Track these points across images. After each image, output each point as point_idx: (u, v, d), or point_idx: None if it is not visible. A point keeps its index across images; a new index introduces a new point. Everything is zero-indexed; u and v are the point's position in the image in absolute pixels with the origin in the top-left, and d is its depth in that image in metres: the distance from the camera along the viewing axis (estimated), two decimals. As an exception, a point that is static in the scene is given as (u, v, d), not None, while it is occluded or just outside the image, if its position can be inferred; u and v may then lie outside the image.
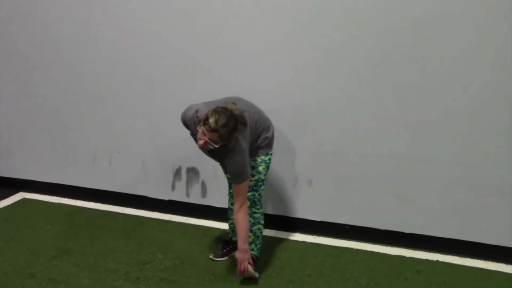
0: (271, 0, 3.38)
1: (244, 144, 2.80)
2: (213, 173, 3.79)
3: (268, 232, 3.67)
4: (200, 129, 2.66)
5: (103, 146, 4.16)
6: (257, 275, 3.05)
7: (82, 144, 4.22)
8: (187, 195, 3.99)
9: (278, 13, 3.40)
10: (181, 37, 3.68)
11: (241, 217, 2.89)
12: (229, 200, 3.34)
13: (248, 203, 3.08)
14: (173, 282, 3.05)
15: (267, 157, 3.06)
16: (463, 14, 3.03)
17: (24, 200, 4.33)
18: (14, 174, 4.54)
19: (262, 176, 3.05)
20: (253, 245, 3.13)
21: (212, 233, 3.67)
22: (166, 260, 3.29)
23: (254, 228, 3.12)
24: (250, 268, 2.95)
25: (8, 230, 3.71)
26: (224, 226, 3.63)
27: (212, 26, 3.57)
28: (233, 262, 3.07)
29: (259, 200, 3.12)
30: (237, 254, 2.95)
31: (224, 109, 2.66)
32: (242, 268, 2.93)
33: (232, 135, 2.67)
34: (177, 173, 3.97)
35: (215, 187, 3.85)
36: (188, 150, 3.47)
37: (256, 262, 3.12)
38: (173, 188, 4.01)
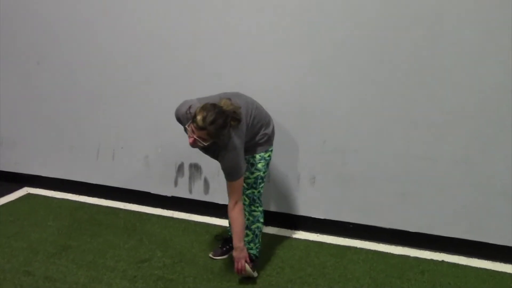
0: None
1: (237, 141, 2.72)
2: (216, 170, 3.73)
3: (271, 230, 3.63)
4: (189, 127, 2.59)
5: (107, 142, 4.14)
6: (255, 274, 3.00)
7: (86, 140, 4.20)
8: (190, 191, 3.95)
9: (282, 12, 3.33)
10: (185, 34, 3.63)
11: (236, 215, 2.83)
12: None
13: (247, 201, 3.03)
14: (171, 280, 3.01)
15: (267, 154, 2.99)
16: (470, 11, 2.94)
17: (28, 195, 4.33)
18: (19, 169, 4.54)
19: (261, 174, 2.98)
20: (252, 244, 3.07)
21: (214, 230, 3.63)
22: (165, 258, 3.26)
23: (253, 226, 3.06)
24: (248, 267, 2.89)
25: (10, 226, 3.70)
26: (226, 223, 3.58)
27: (216, 24, 3.52)
28: (232, 261, 3.01)
29: (258, 198, 3.05)
30: (234, 253, 2.89)
31: (213, 105, 2.58)
32: (239, 267, 2.87)
33: (222, 132, 2.59)
34: (180, 169, 3.93)
35: (218, 183, 3.80)
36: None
37: (255, 261, 3.07)
38: (175, 184, 3.97)
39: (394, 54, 3.15)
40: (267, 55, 3.44)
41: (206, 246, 3.41)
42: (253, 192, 3.01)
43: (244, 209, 3.04)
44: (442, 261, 3.21)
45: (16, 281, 2.99)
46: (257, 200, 3.06)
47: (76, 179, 4.33)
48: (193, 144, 2.62)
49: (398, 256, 3.27)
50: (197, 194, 3.93)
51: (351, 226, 3.51)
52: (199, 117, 2.53)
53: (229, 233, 3.35)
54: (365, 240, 3.46)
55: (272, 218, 3.65)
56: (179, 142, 3.78)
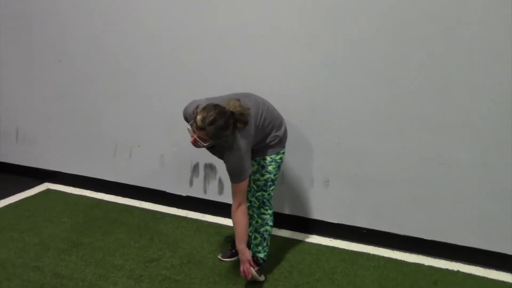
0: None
1: (243, 142, 2.67)
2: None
3: (284, 233, 3.57)
4: (191, 126, 2.57)
5: (124, 140, 4.16)
6: (262, 278, 2.95)
7: (104, 137, 4.23)
8: (205, 191, 3.92)
9: (295, 11, 3.28)
10: (199, 32, 3.61)
11: (238, 217, 2.79)
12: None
13: (257, 203, 2.98)
14: (177, 281, 2.98)
15: (278, 156, 2.93)
16: (488, 11, 2.82)
17: (48, 191, 4.38)
18: (40, 164, 4.61)
19: (272, 176, 2.92)
20: (259, 247, 3.02)
21: (226, 231, 3.59)
22: (173, 258, 3.24)
23: (262, 229, 3.01)
24: (253, 270, 2.84)
25: (25, 222, 3.74)
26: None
27: (230, 22, 3.49)
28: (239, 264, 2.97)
29: (268, 201, 3.00)
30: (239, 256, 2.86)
31: (215, 106, 2.54)
32: (244, 270, 2.83)
33: (222, 133, 2.54)
34: (195, 169, 3.91)
35: (232, 184, 3.77)
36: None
37: (262, 264, 3.01)
38: (191, 184, 3.96)
39: (409, 55, 3.06)
40: (282, 54, 3.39)
41: (216, 247, 3.38)
42: (263, 195, 2.96)
43: (253, 212, 3.00)
44: (458, 271, 3.09)
45: (25, 276, 3.02)
46: (267, 203, 3.00)
47: (94, 176, 4.36)
48: (194, 144, 2.60)
49: (412, 264, 3.17)
50: (212, 195, 3.91)
51: (364, 231, 3.43)
52: (199, 117, 2.50)
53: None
54: (378, 246, 3.37)
55: (285, 221, 3.60)
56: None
